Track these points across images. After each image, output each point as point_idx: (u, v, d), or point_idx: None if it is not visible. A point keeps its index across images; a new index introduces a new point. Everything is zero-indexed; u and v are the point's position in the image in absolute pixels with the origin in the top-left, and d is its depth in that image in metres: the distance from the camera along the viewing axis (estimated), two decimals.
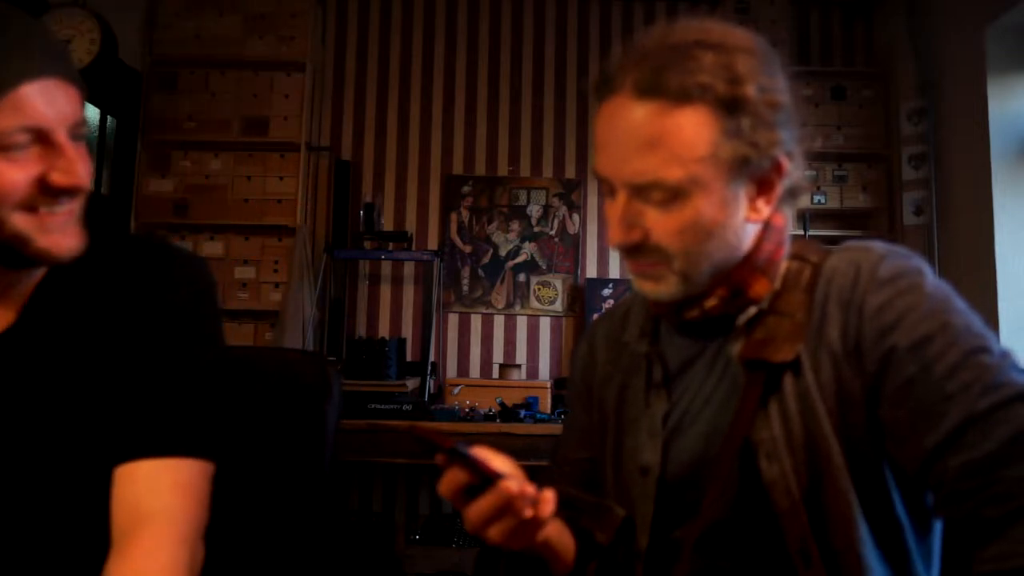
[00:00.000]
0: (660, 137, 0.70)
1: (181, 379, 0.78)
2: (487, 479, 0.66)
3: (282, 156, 3.10)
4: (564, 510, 0.81)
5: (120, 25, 2.61)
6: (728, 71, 0.71)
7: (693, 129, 0.70)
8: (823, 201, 3.13)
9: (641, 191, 0.73)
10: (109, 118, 2.97)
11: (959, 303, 0.72)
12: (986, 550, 0.63)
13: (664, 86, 0.70)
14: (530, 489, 0.67)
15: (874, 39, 3.38)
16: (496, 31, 3.45)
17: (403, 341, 3.02)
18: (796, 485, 0.71)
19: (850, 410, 0.72)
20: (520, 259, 3.33)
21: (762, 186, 0.76)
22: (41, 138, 0.70)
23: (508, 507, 0.66)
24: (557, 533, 0.80)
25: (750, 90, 0.71)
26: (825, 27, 3.43)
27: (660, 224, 0.73)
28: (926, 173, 2.92)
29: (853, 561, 0.71)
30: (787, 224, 0.83)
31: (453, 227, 3.35)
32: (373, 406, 2.50)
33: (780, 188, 0.77)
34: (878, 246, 0.77)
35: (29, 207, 0.71)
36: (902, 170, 2.99)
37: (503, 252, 3.33)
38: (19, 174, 0.69)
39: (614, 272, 3.34)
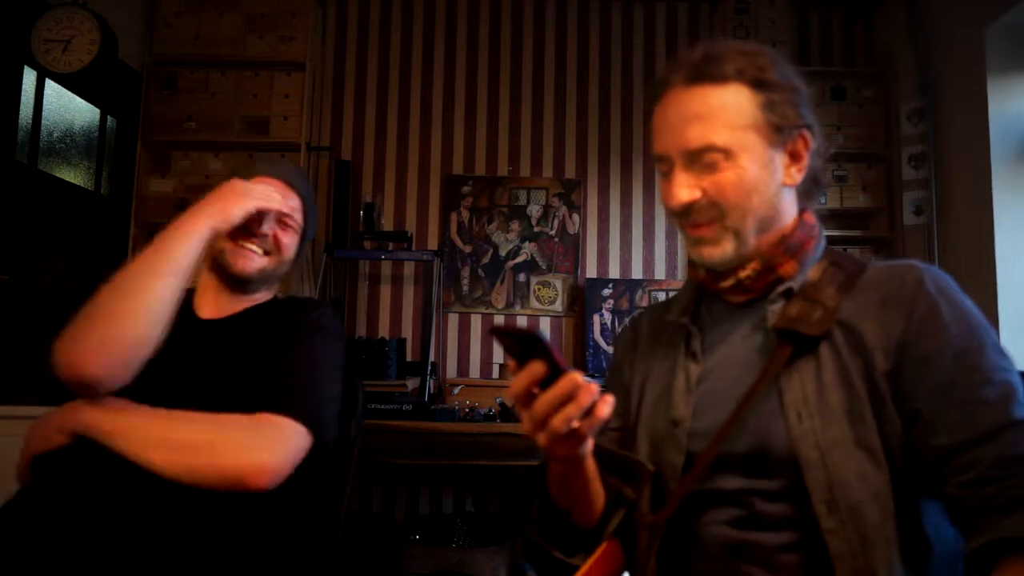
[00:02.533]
0: (709, 110, 0.87)
1: (302, 369, 1.10)
2: (558, 371, 0.72)
3: (282, 156, 3.10)
4: (598, 462, 0.92)
5: (120, 25, 2.61)
6: (754, 63, 0.89)
7: (735, 101, 0.87)
8: (823, 201, 3.13)
9: (695, 156, 0.87)
10: (109, 118, 2.97)
11: (986, 322, 0.83)
12: (1009, 519, 0.72)
13: (708, 73, 0.88)
14: (594, 385, 0.74)
15: (874, 39, 3.38)
16: (496, 31, 3.45)
17: (403, 341, 3.01)
18: (824, 440, 0.80)
19: (876, 393, 0.81)
20: (520, 259, 3.33)
21: (793, 156, 0.91)
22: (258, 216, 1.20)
23: (574, 396, 0.72)
24: (594, 474, 0.90)
25: (773, 75, 0.89)
26: (825, 27, 3.43)
27: (713, 184, 0.87)
28: (926, 173, 2.92)
29: (873, 512, 0.78)
30: (817, 223, 0.96)
31: (453, 227, 3.35)
32: (373, 406, 2.50)
33: (807, 160, 0.92)
34: (919, 263, 0.88)
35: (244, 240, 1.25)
36: (902, 170, 2.99)
37: (503, 252, 3.33)
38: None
39: (614, 272, 3.34)
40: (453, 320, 3.31)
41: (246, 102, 3.11)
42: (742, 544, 0.83)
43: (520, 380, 0.74)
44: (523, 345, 0.74)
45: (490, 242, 3.34)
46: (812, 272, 0.91)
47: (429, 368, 2.94)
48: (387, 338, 2.92)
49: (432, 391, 2.96)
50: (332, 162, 3.33)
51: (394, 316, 3.32)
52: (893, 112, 3.11)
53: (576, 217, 3.34)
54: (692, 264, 0.99)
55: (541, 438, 0.76)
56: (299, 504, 1.11)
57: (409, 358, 3.20)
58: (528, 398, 0.75)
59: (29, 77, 2.46)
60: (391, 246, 3.13)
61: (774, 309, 0.89)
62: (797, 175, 0.91)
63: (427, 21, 3.45)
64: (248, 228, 1.19)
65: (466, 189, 3.36)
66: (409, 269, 3.34)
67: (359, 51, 3.43)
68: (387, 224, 3.31)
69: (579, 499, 0.91)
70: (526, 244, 3.33)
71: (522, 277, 3.33)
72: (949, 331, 0.81)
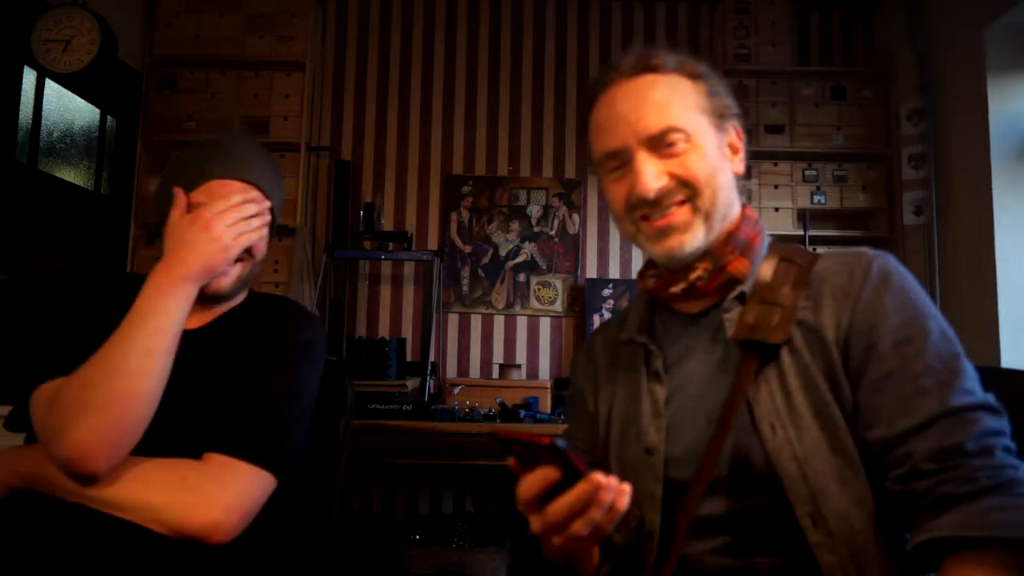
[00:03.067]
0: (662, 94, 0.87)
1: (272, 405, 1.05)
2: (575, 474, 0.66)
3: (282, 156, 3.10)
4: None
5: (120, 25, 2.61)
6: (686, 61, 0.91)
7: (684, 87, 0.89)
8: (823, 201, 3.13)
9: (658, 140, 0.86)
10: (109, 118, 2.97)
11: (935, 309, 0.82)
12: (941, 518, 0.70)
13: (651, 65, 0.89)
14: (614, 479, 0.69)
15: (874, 39, 3.38)
16: (496, 31, 3.45)
17: (403, 341, 3.01)
18: (801, 449, 0.77)
19: (839, 390, 0.80)
20: (520, 259, 3.33)
21: (732, 148, 0.92)
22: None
23: (594, 501, 0.68)
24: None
25: (703, 69, 0.91)
26: (825, 27, 3.43)
27: (679, 165, 0.86)
28: (926, 173, 2.92)
29: (858, 517, 0.76)
30: (758, 218, 0.95)
31: (453, 227, 3.35)
32: (373, 406, 2.50)
33: (742, 152, 0.93)
34: (868, 250, 0.86)
35: None
36: (902, 170, 2.99)
37: (503, 252, 3.33)
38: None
39: (614, 272, 3.34)
40: (453, 320, 3.31)
41: (246, 102, 3.11)
42: (738, 570, 0.80)
43: (531, 487, 0.69)
44: (532, 450, 0.67)
45: (490, 242, 3.34)
46: (763, 270, 0.89)
47: (429, 368, 2.94)
48: (387, 338, 2.92)
49: (432, 391, 2.96)
50: (332, 162, 3.33)
51: (394, 316, 3.32)
52: (893, 112, 3.11)
53: (576, 217, 3.34)
54: (642, 274, 0.97)
55: (556, 540, 0.70)
56: (286, 509, 1.10)
57: (409, 358, 3.20)
58: (539, 502, 0.69)
59: (29, 77, 2.46)
60: (391, 246, 3.13)
61: (730, 317, 0.86)
62: (740, 164, 0.92)
63: (427, 21, 3.45)
64: None
65: (466, 189, 3.36)
66: (409, 269, 3.34)
67: (359, 51, 3.43)
68: (387, 224, 3.31)
69: (578, 564, 0.84)
70: (526, 244, 3.33)
71: (522, 277, 3.33)
72: (890, 320, 0.79)
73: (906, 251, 3.03)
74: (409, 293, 3.33)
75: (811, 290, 0.84)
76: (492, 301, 3.31)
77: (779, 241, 0.94)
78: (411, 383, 2.81)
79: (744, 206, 0.93)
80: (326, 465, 1.23)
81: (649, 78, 0.88)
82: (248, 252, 1.14)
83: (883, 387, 0.77)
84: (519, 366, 3.10)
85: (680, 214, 0.86)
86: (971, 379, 0.76)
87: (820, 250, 0.95)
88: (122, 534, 0.94)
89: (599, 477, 0.67)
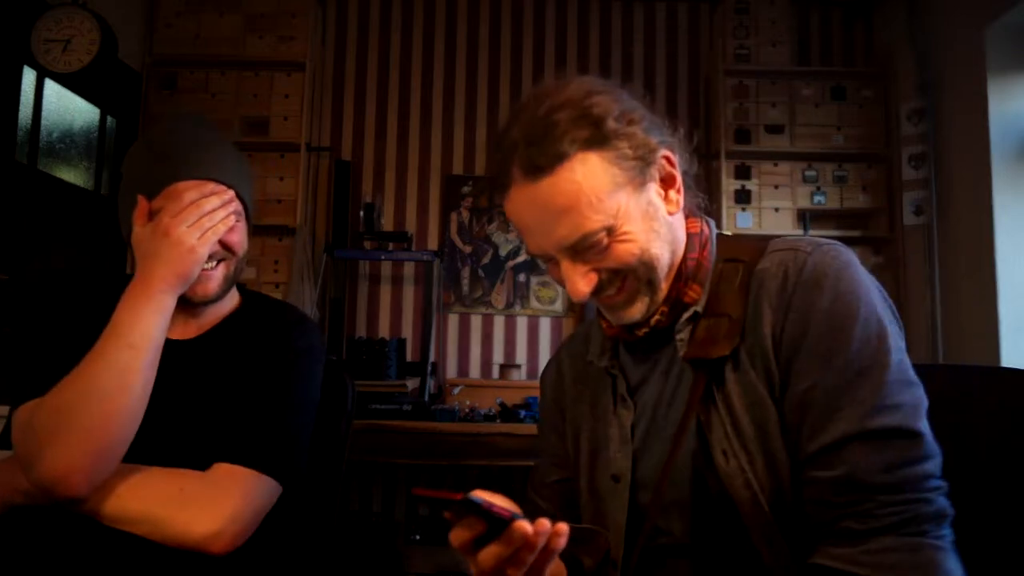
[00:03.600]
0: (566, 200, 0.77)
1: (274, 412, 1.04)
2: (501, 523, 0.65)
3: (282, 156, 3.10)
4: None
5: (120, 25, 2.61)
6: (586, 119, 0.77)
7: (586, 177, 0.76)
8: (823, 201, 3.13)
9: (577, 247, 0.79)
10: (109, 118, 2.97)
11: (867, 309, 0.75)
12: (838, 548, 0.69)
13: (543, 162, 0.76)
14: (544, 523, 0.66)
15: (874, 39, 3.38)
16: (496, 31, 3.45)
17: (403, 341, 3.01)
18: (753, 476, 0.74)
19: (781, 405, 0.76)
20: (520, 259, 3.33)
21: (665, 182, 0.83)
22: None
23: (524, 546, 0.65)
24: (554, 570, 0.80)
25: (609, 119, 0.78)
26: (825, 27, 3.43)
27: (608, 258, 0.79)
28: (926, 173, 2.92)
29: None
30: (705, 227, 0.88)
31: (453, 227, 3.35)
32: (373, 406, 2.50)
33: (679, 177, 0.84)
34: (804, 244, 0.80)
35: None
36: (902, 170, 2.99)
37: (503, 252, 3.33)
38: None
39: None
40: (453, 320, 3.31)
41: (246, 102, 3.11)
42: None
43: (458, 538, 0.67)
44: (451, 505, 0.65)
45: (490, 242, 3.34)
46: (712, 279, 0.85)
47: (429, 368, 2.94)
48: (387, 338, 2.93)
49: (432, 391, 2.96)
50: (332, 162, 3.33)
51: (394, 316, 3.32)
52: (893, 112, 3.11)
53: None
54: (600, 314, 0.93)
55: None
56: (287, 510, 1.10)
57: (409, 358, 3.20)
58: (473, 547, 0.67)
59: (29, 77, 2.46)
60: (391, 246, 3.13)
61: (682, 337, 0.83)
62: (677, 196, 0.84)
63: (427, 21, 3.45)
64: None
65: (466, 189, 3.36)
66: (409, 269, 3.34)
67: (359, 51, 3.43)
68: (387, 224, 3.31)
69: None
70: None
71: (522, 277, 3.32)
72: (815, 329, 0.74)
73: (906, 251, 3.04)
74: (409, 293, 3.33)
75: (753, 293, 0.80)
76: (492, 301, 3.31)
77: (727, 235, 0.90)
78: (411, 383, 2.81)
79: (688, 220, 0.87)
80: (327, 465, 1.23)
81: (548, 182, 0.76)
82: (229, 249, 1.09)
83: (801, 403, 0.74)
84: (519, 366, 3.10)
85: (621, 295, 0.82)
86: (895, 391, 0.72)
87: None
88: (123, 541, 0.94)
89: (525, 526, 0.64)
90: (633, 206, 0.79)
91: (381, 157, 3.38)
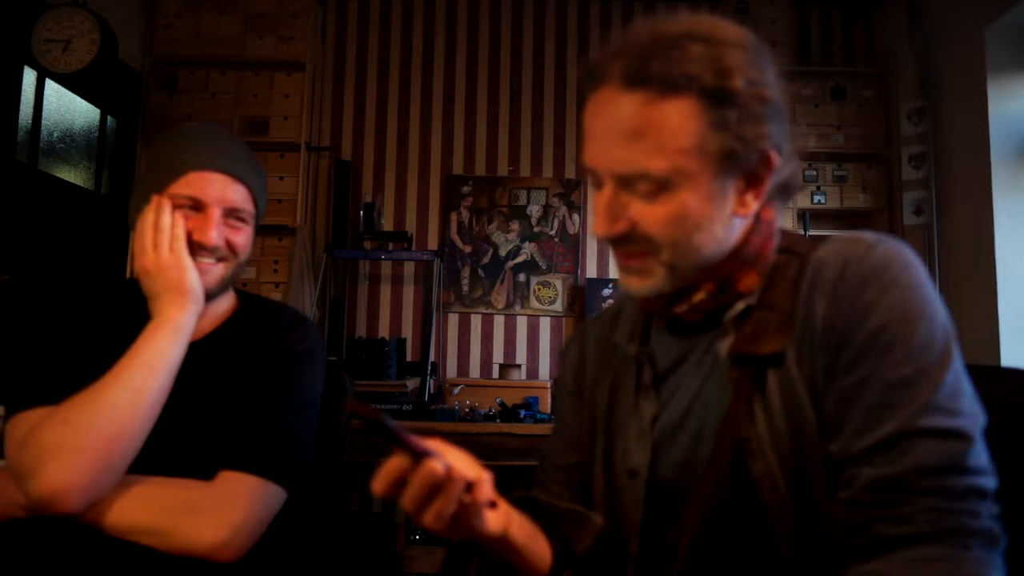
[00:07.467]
0: (645, 128, 0.69)
1: (277, 416, 1.04)
2: (417, 455, 0.63)
3: (282, 156, 3.10)
4: (541, 517, 0.81)
5: (120, 25, 2.61)
6: (716, 63, 0.69)
7: (679, 120, 0.69)
8: (823, 201, 3.13)
9: (627, 182, 0.72)
10: (109, 118, 2.97)
11: (933, 308, 0.69)
12: (868, 563, 0.63)
13: (650, 75, 0.69)
14: (466, 472, 0.64)
15: (874, 39, 3.38)
16: (496, 31, 3.45)
17: (403, 341, 3.01)
18: (783, 480, 0.70)
19: (821, 404, 0.71)
20: (520, 259, 3.33)
21: (750, 180, 0.74)
22: (197, 207, 1.04)
23: (439, 488, 0.63)
24: (526, 538, 0.77)
25: (738, 83, 0.69)
26: (825, 27, 3.43)
27: (646, 215, 0.72)
28: (926, 173, 2.92)
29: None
30: (776, 217, 0.81)
31: (453, 227, 3.35)
32: (373, 406, 2.50)
33: (769, 183, 0.75)
34: (867, 236, 0.74)
35: (192, 256, 1.04)
36: (902, 170, 2.99)
37: (503, 252, 3.33)
38: (179, 222, 1.05)
39: (614, 272, 3.34)
40: (453, 320, 3.31)
41: (246, 102, 3.12)
42: None
43: (383, 474, 0.65)
44: (381, 429, 0.62)
45: (490, 242, 3.34)
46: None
47: (429, 368, 2.94)
48: (387, 338, 2.93)
49: (432, 391, 2.96)
50: (332, 162, 3.33)
51: (394, 316, 3.32)
52: (893, 112, 3.11)
53: (576, 217, 3.34)
54: None
55: (424, 524, 0.66)
56: (287, 511, 1.09)
57: (409, 358, 3.20)
58: (399, 488, 0.64)
59: (29, 77, 2.46)
60: (391, 246, 3.13)
61: (727, 327, 0.77)
62: (753, 202, 0.74)
63: (427, 21, 3.45)
64: (195, 243, 1.05)
65: (466, 189, 3.36)
66: (409, 269, 3.34)
67: (359, 51, 3.43)
68: (387, 224, 3.31)
69: (517, 564, 0.77)
70: (526, 244, 3.33)
71: (522, 277, 3.33)
72: (874, 320, 0.68)
73: None
74: (409, 293, 3.33)
75: (806, 284, 0.73)
76: (492, 301, 3.31)
77: (784, 229, 0.83)
78: (411, 383, 2.81)
79: (766, 205, 0.78)
80: (326, 465, 1.23)
81: (640, 98, 0.69)
82: (231, 250, 1.08)
83: (850, 396, 0.68)
84: (519, 366, 3.10)
85: (637, 260, 0.75)
86: (958, 396, 0.66)
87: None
88: (125, 551, 0.93)
89: (435, 465, 0.62)
90: (703, 181, 0.70)
91: (381, 157, 3.38)
